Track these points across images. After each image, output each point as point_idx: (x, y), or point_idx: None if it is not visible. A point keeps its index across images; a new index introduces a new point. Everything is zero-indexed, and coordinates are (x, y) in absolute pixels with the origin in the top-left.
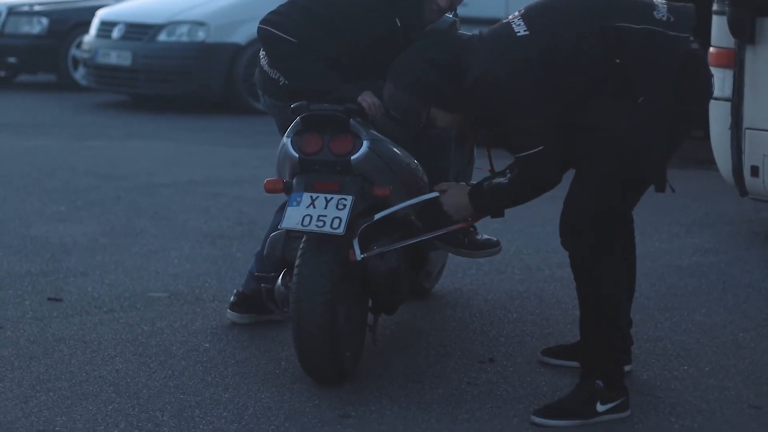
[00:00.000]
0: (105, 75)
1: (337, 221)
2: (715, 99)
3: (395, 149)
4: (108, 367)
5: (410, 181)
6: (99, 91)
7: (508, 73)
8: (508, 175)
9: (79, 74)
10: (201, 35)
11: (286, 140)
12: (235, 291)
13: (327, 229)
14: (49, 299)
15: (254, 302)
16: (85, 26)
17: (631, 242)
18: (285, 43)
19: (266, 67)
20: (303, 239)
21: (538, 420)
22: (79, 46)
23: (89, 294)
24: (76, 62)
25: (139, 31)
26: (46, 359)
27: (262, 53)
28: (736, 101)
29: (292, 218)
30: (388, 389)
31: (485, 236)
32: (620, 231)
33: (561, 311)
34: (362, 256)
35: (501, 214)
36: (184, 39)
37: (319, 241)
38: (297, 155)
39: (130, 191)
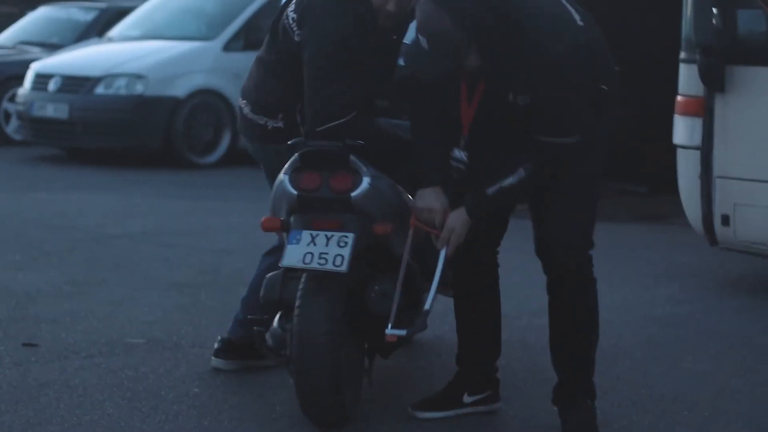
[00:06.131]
0: (41, 128)
1: (339, 258)
2: (684, 147)
3: (396, 186)
4: (98, 412)
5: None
6: (31, 146)
7: (574, 53)
8: (520, 173)
9: (12, 128)
10: (139, 88)
11: (283, 177)
12: (219, 338)
13: (330, 266)
14: (24, 345)
15: (240, 349)
16: (18, 80)
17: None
18: None
19: (250, 114)
20: (303, 279)
21: None
22: (11, 99)
23: (64, 340)
24: (8, 116)
25: (76, 84)
26: (33, 404)
27: (242, 102)
28: (706, 150)
29: (293, 256)
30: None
31: None
32: None
33: (546, 357)
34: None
35: None
36: (122, 92)
37: (321, 279)
38: (295, 192)
39: (84, 242)
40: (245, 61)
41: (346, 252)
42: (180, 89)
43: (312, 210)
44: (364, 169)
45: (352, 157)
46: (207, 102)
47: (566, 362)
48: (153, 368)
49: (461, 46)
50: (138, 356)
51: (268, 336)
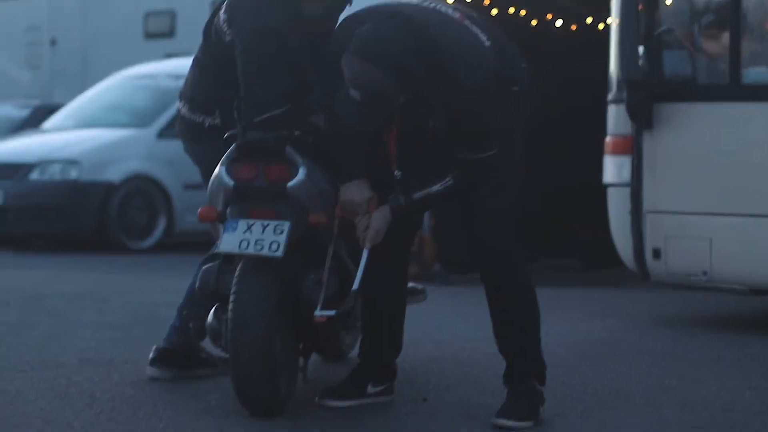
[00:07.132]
0: None
1: (275, 244)
2: (614, 185)
3: (331, 178)
4: (31, 406)
5: None
6: None
7: (485, 80)
8: (448, 182)
9: None
10: (74, 174)
11: (220, 168)
12: (154, 347)
13: (266, 252)
14: None
15: (176, 357)
16: None
17: None
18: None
19: (187, 114)
20: (238, 267)
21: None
22: None
23: None
24: None
25: (10, 171)
26: None
27: (180, 103)
28: (636, 186)
29: (229, 243)
30: (322, 422)
31: (411, 284)
32: None
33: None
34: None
35: None
36: (57, 177)
37: (257, 264)
38: (232, 182)
39: (19, 299)
40: (180, 148)
41: (282, 239)
42: (114, 174)
43: (248, 200)
44: (300, 160)
45: (288, 148)
46: (142, 187)
47: (510, 345)
48: (87, 377)
49: (393, 94)
50: (71, 369)
51: (204, 330)
